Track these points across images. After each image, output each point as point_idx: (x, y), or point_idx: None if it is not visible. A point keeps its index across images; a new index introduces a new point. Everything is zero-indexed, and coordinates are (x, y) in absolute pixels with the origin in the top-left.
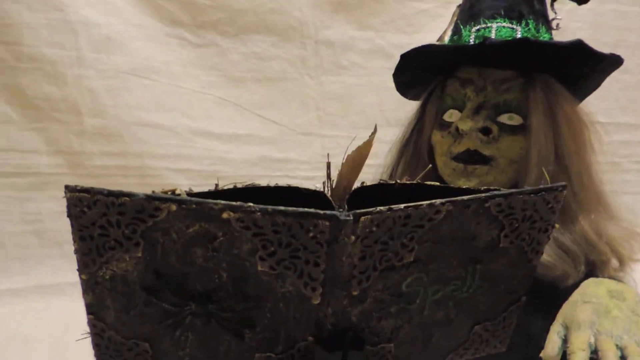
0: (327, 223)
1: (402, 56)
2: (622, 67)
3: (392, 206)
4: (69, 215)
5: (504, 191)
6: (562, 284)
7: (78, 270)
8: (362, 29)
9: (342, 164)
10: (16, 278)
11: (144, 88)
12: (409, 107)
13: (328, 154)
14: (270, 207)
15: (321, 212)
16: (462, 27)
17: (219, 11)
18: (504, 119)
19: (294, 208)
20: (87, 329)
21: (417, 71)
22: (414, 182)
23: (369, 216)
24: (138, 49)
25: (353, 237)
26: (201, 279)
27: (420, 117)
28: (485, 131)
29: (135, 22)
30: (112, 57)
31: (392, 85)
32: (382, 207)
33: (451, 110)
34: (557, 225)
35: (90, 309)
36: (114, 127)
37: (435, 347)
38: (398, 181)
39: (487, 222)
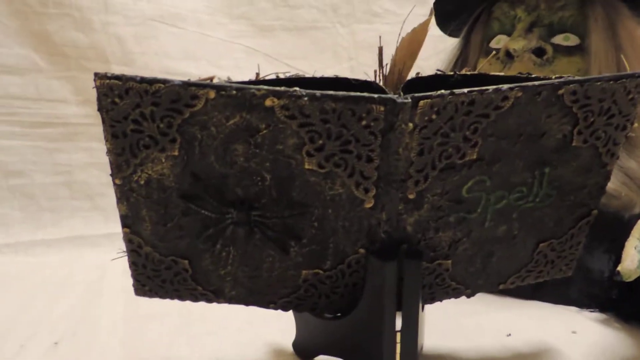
0: (382, 108)
1: None
2: None
3: (455, 90)
4: (99, 109)
5: (580, 77)
6: (627, 213)
7: (111, 174)
8: None
9: (397, 48)
10: (48, 229)
11: (171, 36)
12: (445, 50)
13: (380, 37)
14: (318, 92)
15: (375, 95)
16: None
17: None
18: (559, 39)
19: (345, 92)
20: (120, 282)
21: None
22: (476, 72)
23: (429, 100)
24: None
25: (411, 125)
26: (242, 182)
27: (463, 48)
28: (539, 52)
29: None
30: (139, 4)
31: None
32: (443, 91)
33: (499, 36)
34: (636, 124)
35: (125, 221)
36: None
37: (496, 268)
38: (457, 72)
39: (559, 114)
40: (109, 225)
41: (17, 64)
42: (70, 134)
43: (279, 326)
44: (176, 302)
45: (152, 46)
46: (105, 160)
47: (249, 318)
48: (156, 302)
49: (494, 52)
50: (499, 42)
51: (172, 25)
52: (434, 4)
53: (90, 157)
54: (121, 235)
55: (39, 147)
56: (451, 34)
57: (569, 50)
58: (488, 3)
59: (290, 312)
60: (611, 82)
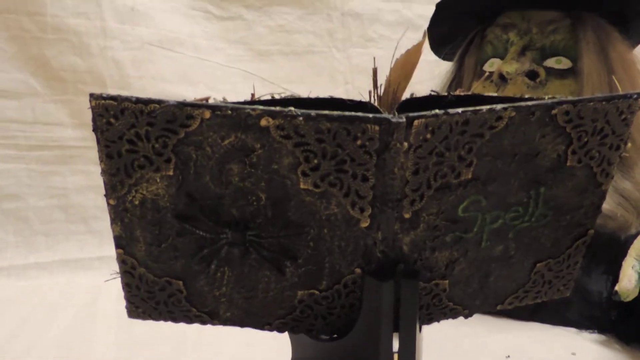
0: (377, 128)
1: (439, 4)
2: None
3: (449, 110)
4: (94, 129)
5: (573, 98)
6: (623, 234)
7: (105, 195)
8: (387, 0)
9: (391, 69)
10: (42, 253)
11: (169, 60)
12: (439, 74)
13: (374, 58)
14: (313, 112)
15: (370, 115)
16: None
17: None
18: (551, 62)
19: (340, 112)
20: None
21: (454, 20)
22: (469, 93)
23: (424, 119)
24: (163, 21)
25: (406, 144)
26: (238, 202)
27: (457, 71)
28: (532, 75)
29: None
30: (137, 29)
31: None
32: (437, 111)
33: (492, 59)
34: (629, 144)
35: (119, 242)
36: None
37: (493, 289)
38: (451, 93)
39: (553, 134)
40: (104, 248)
41: (15, 88)
42: (65, 157)
43: (275, 349)
44: (170, 326)
45: (149, 70)
46: (101, 183)
47: (244, 341)
48: (150, 327)
49: (487, 74)
50: (492, 65)
51: (169, 50)
52: (428, 28)
53: (86, 180)
54: (115, 258)
55: (34, 170)
56: (445, 57)
57: (561, 73)
58: (481, 27)
59: (286, 334)
60: (604, 103)
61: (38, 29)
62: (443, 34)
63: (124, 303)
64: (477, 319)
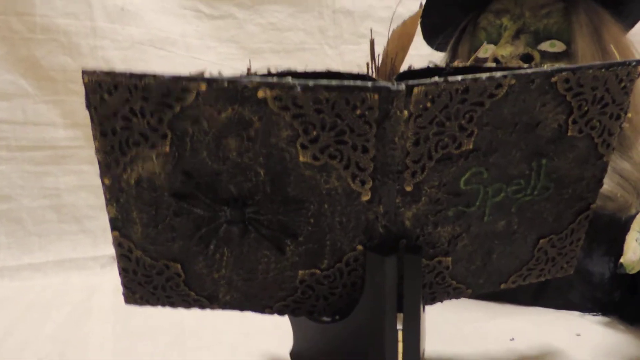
0: (376, 96)
1: None
2: None
3: (449, 77)
4: (87, 106)
5: (572, 65)
6: (624, 215)
7: (100, 174)
8: None
9: (388, 40)
10: (35, 254)
11: (160, 59)
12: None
13: (371, 29)
14: (311, 82)
15: (369, 84)
16: None
17: None
18: (545, 46)
19: (339, 81)
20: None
21: (447, 9)
22: (468, 64)
23: (423, 87)
24: (153, 20)
25: (406, 113)
26: (236, 178)
27: (451, 60)
28: (527, 58)
29: None
30: (127, 29)
31: (413, 52)
32: (437, 78)
33: (486, 45)
34: (629, 114)
35: (115, 224)
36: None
37: (497, 266)
38: (450, 64)
39: (553, 103)
40: (98, 248)
41: (5, 89)
42: (58, 157)
43: (275, 338)
44: (168, 317)
45: (141, 69)
46: (94, 182)
47: (244, 331)
48: (147, 318)
49: (479, 49)
50: (487, 51)
51: (160, 49)
52: (421, 17)
53: (79, 180)
54: (110, 257)
55: (26, 170)
56: (438, 47)
57: (555, 57)
58: (473, 15)
59: (287, 323)
60: (603, 70)
61: (27, 29)
62: (435, 23)
63: (119, 297)
64: (479, 304)
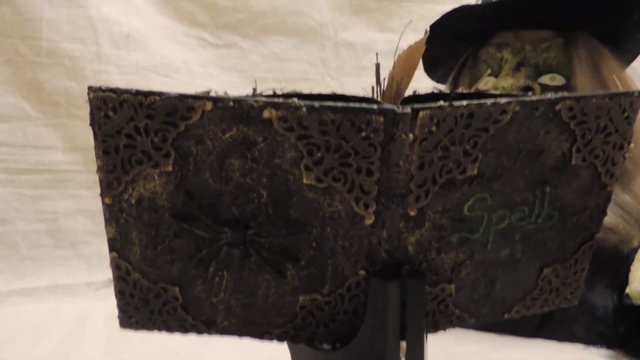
0: (382, 119)
1: (432, 26)
2: None
3: (454, 102)
4: (91, 124)
5: (576, 94)
6: (626, 247)
7: (101, 194)
8: (381, 31)
9: (394, 65)
10: (28, 279)
11: (164, 86)
12: None
13: (377, 54)
14: (317, 103)
15: (375, 106)
16: None
17: (238, 12)
18: (545, 79)
19: (344, 103)
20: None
21: (448, 42)
22: (472, 91)
23: (429, 111)
24: (158, 47)
25: (411, 136)
26: (238, 199)
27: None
28: (527, 91)
29: (155, 21)
30: (132, 55)
31: (415, 85)
32: (442, 102)
33: (487, 78)
34: (632, 145)
35: (114, 245)
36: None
37: (500, 296)
38: (454, 90)
39: (557, 130)
40: (92, 274)
41: (6, 111)
42: (56, 181)
43: None
44: (162, 346)
45: None
46: (92, 207)
47: (240, 357)
48: (140, 346)
49: (480, 81)
50: (487, 83)
51: (164, 76)
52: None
53: (76, 204)
54: (104, 283)
55: (23, 194)
56: (439, 80)
57: (555, 90)
58: (474, 48)
59: (285, 351)
60: (606, 99)
61: (33, 53)
62: (436, 56)
63: (112, 325)
64: (481, 336)
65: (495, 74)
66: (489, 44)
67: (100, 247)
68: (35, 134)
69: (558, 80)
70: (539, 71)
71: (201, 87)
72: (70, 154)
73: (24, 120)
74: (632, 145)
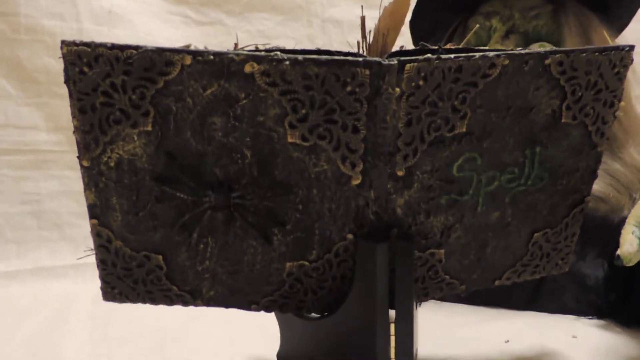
0: (367, 72)
1: None
2: None
3: (442, 55)
4: (66, 81)
5: (566, 48)
6: (616, 216)
7: (78, 156)
8: (368, 8)
9: (379, 18)
10: (12, 261)
11: None
12: None
13: (362, 6)
14: (300, 56)
15: (360, 59)
16: None
17: None
18: (534, 47)
19: (329, 56)
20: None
21: (436, 12)
22: (460, 46)
23: (416, 64)
24: (141, 24)
25: (398, 90)
26: (221, 160)
27: None
28: None
29: None
30: (114, 31)
31: (403, 42)
32: (430, 55)
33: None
34: (622, 103)
35: (94, 211)
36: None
37: (491, 261)
38: (442, 46)
39: (547, 87)
40: (78, 255)
41: None
42: (39, 161)
43: (261, 342)
44: (149, 324)
45: None
46: (77, 188)
47: (228, 336)
48: (127, 325)
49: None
50: None
51: None
52: (410, 21)
53: (60, 185)
54: (91, 265)
55: (6, 175)
56: None
57: None
58: (463, 18)
59: (274, 327)
60: (596, 54)
61: (11, 29)
62: (424, 27)
63: (99, 306)
64: (471, 309)
65: (485, 44)
66: (478, 13)
67: (86, 229)
68: (16, 113)
69: (548, 47)
70: (528, 39)
71: None
72: (54, 134)
73: (4, 99)
74: (622, 103)
